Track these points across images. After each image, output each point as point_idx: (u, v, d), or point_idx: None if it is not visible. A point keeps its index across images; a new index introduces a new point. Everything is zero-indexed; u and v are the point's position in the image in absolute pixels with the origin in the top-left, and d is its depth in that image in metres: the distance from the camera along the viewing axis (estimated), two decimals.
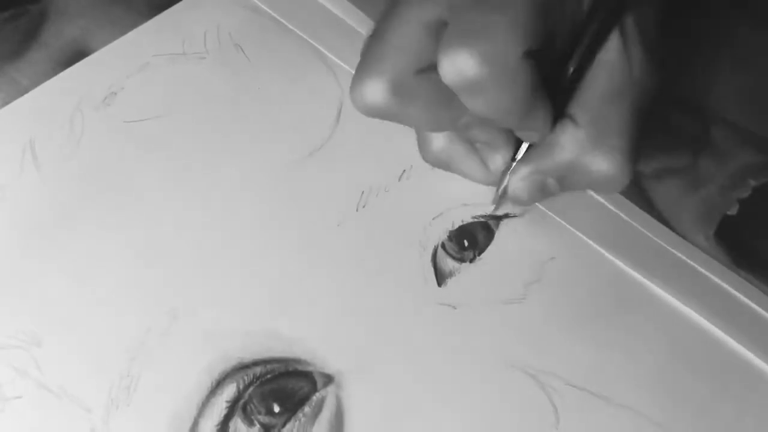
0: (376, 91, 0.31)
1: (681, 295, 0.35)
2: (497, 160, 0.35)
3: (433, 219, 0.37)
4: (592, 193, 0.38)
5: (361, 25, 0.43)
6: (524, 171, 0.34)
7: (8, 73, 0.40)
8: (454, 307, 0.35)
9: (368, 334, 0.34)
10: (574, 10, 0.32)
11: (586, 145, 0.32)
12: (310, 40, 0.42)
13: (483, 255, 0.36)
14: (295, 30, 0.42)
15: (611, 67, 0.32)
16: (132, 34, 0.41)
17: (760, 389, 0.33)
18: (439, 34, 0.30)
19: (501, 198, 0.36)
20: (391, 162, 0.39)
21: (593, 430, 0.32)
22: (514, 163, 0.34)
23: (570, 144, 0.32)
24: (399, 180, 0.38)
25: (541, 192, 0.34)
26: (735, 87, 0.41)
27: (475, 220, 0.37)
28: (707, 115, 0.41)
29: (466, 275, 0.36)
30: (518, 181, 0.34)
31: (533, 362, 0.34)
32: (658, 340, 0.34)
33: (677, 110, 0.41)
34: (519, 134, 0.33)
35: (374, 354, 0.33)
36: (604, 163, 0.32)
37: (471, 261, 0.36)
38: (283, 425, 0.31)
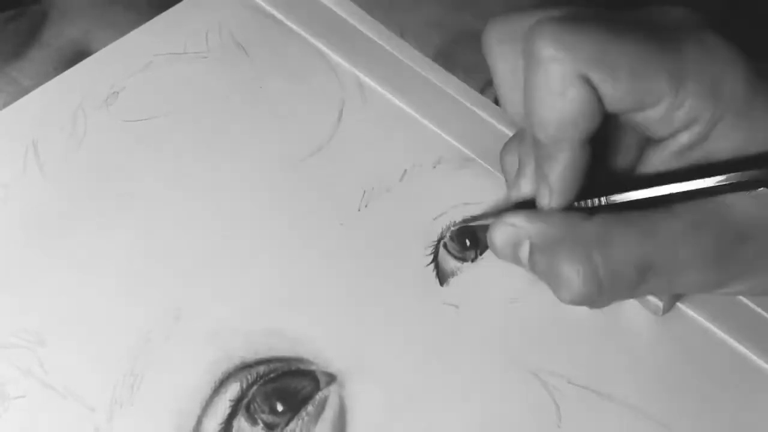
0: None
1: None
2: None
3: (435, 219, 0.37)
4: None
5: (364, 25, 0.43)
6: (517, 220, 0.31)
7: (9, 73, 0.40)
8: (457, 307, 0.35)
9: (370, 333, 0.34)
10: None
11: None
12: (312, 40, 0.42)
13: (485, 254, 0.36)
14: (297, 29, 0.42)
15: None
16: (134, 34, 0.41)
17: (762, 387, 0.34)
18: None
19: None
20: (392, 162, 0.39)
21: (595, 429, 0.32)
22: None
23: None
24: (401, 180, 0.38)
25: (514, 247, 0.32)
26: None
27: (476, 219, 0.37)
28: None
29: (468, 275, 0.36)
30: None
31: (535, 361, 0.34)
32: (660, 338, 0.35)
33: None
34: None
35: (377, 353, 0.33)
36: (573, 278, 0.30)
37: (473, 260, 0.36)
38: (287, 424, 0.31)
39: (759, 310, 0.35)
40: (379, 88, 0.41)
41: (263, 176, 0.38)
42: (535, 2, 0.31)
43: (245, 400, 0.31)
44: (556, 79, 0.28)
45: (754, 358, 0.34)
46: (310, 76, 0.41)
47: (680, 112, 0.28)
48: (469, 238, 0.37)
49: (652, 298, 0.34)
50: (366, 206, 0.37)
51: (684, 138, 0.29)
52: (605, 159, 0.32)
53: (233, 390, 0.32)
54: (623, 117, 0.30)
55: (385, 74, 0.41)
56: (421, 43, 0.43)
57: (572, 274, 0.29)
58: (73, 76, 0.39)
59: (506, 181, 0.34)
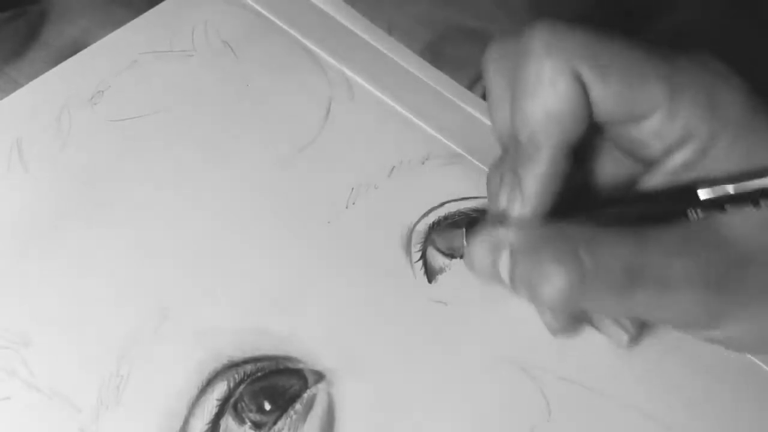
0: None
1: None
2: None
3: (423, 215, 0.37)
4: None
5: (351, 22, 0.42)
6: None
7: (8, 73, 0.40)
8: (445, 304, 0.35)
9: (359, 331, 0.34)
10: None
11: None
12: (299, 37, 0.42)
13: None
14: (284, 27, 0.42)
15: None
16: (119, 32, 0.41)
17: (755, 382, 0.33)
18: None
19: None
20: (380, 158, 0.38)
21: (585, 423, 0.32)
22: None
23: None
24: (389, 176, 0.38)
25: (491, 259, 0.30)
26: None
27: (466, 215, 0.37)
28: None
29: (457, 271, 0.36)
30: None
31: (525, 357, 0.34)
32: (650, 332, 0.34)
33: None
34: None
35: (365, 351, 0.33)
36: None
37: (462, 257, 0.36)
38: (274, 423, 0.31)
39: None
40: (367, 85, 0.41)
41: (250, 174, 0.37)
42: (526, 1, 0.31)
43: (232, 399, 0.31)
44: (545, 70, 0.27)
45: (750, 356, 0.34)
46: (297, 74, 0.41)
47: (675, 125, 0.27)
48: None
49: (616, 327, 0.33)
50: (354, 203, 0.37)
51: (680, 157, 0.28)
52: (592, 187, 0.32)
53: (220, 389, 0.31)
54: (618, 135, 0.29)
55: (373, 71, 0.41)
56: (410, 38, 0.43)
57: (556, 269, 0.27)
58: (58, 74, 0.39)
59: (489, 201, 0.33)
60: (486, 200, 0.37)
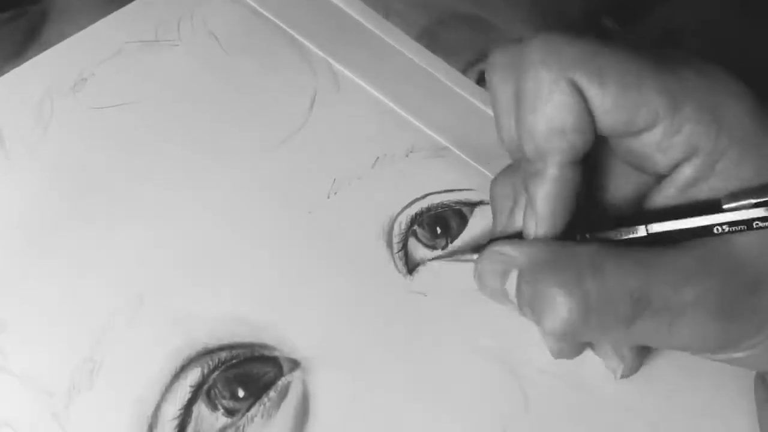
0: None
1: None
2: None
3: (405, 206, 0.37)
4: None
5: (337, 14, 0.42)
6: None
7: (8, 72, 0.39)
8: (425, 295, 0.34)
9: (337, 320, 0.33)
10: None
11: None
12: (285, 27, 0.42)
13: (455, 242, 0.36)
14: (270, 17, 0.42)
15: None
16: (105, 21, 0.41)
17: (732, 372, 0.33)
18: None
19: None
20: (364, 150, 0.38)
21: (563, 416, 0.32)
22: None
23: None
24: (372, 168, 0.38)
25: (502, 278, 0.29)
26: None
27: (449, 207, 0.37)
28: None
29: (438, 263, 0.35)
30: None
31: (504, 349, 0.33)
32: None
33: None
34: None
35: (342, 340, 0.33)
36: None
37: (443, 248, 0.36)
38: (247, 410, 0.31)
39: None
40: (354, 77, 0.40)
41: (232, 164, 0.37)
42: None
43: (206, 386, 0.31)
44: (543, 82, 0.27)
45: None
46: (282, 65, 0.41)
47: (678, 138, 0.27)
48: (440, 226, 0.36)
49: (613, 357, 0.32)
50: (336, 193, 0.37)
51: (686, 172, 0.27)
52: (603, 202, 0.31)
53: (194, 375, 0.31)
54: (623, 149, 0.28)
55: (361, 61, 0.41)
56: (406, 23, 0.43)
57: (560, 297, 0.26)
58: (42, 62, 0.39)
59: (493, 215, 0.33)
60: (467, 193, 0.37)
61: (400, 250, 0.35)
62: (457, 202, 0.37)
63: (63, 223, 0.35)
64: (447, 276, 0.35)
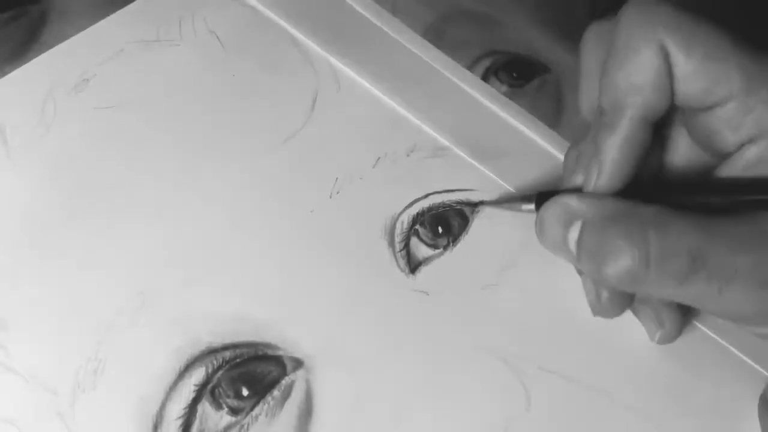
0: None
1: None
2: None
3: (407, 206, 0.37)
4: None
5: (339, 13, 0.42)
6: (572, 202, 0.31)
7: (8, 73, 0.39)
8: (427, 293, 0.35)
9: (339, 319, 0.34)
10: None
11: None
12: (286, 27, 0.42)
13: (457, 241, 0.36)
14: (271, 16, 0.42)
15: None
16: (105, 21, 0.41)
17: (735, 371, 0.33)
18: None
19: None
20: (365, 150, 0.38)
21: (564, 413, 0.32)
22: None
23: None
24: (374, 167, 0.38)
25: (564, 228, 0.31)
26: None
27: (450, 207, 0.37)
28: None
29: (440, 261, 0.36)
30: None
31: (505, 347, 0.33)
32: (631, 324, 0.34)
33: None
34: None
35: (345, 339, 0.33)
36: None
37: (445, 247, 0.36)
38: (252, 409, 0.31)
39: None
40: (355, 76, 0.41)
41: (234, 164, 0.37)
42: None
43: (210, 385, 0.31)
44: (634, 39, 0.29)
45: (726, 344, 0.34)
46: (283, 64, 0.41)
47: (750, 117, 0.28)
48: (441, 225, 0.36)
49: (654, 322, 0.33)
50: (338, 193, 0.37)
51: (752, 152, 0.29)
52: (661, 176, 0.32)
53: (198, 374, 0.31)
54: (694, 122, 0.30)
55: (364, 58, 0.41)
56: (412, 19, 0.43)
57: (624, 247, 0.28)
58: (44, 62, 0.39)
59: (564, 176, 0.34)
60: (468, 193, 0.37)
61: (402, 249, 0.36)
62: (458, 202, 0.37)
63: (66, 222, 0.35)
64: (448, 274, 0.35)
